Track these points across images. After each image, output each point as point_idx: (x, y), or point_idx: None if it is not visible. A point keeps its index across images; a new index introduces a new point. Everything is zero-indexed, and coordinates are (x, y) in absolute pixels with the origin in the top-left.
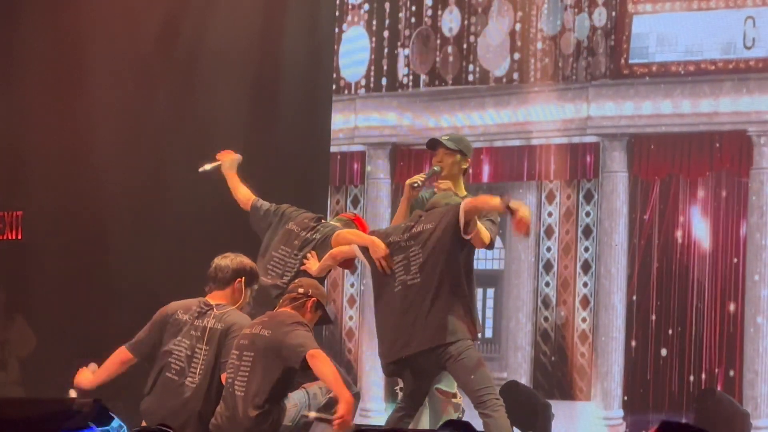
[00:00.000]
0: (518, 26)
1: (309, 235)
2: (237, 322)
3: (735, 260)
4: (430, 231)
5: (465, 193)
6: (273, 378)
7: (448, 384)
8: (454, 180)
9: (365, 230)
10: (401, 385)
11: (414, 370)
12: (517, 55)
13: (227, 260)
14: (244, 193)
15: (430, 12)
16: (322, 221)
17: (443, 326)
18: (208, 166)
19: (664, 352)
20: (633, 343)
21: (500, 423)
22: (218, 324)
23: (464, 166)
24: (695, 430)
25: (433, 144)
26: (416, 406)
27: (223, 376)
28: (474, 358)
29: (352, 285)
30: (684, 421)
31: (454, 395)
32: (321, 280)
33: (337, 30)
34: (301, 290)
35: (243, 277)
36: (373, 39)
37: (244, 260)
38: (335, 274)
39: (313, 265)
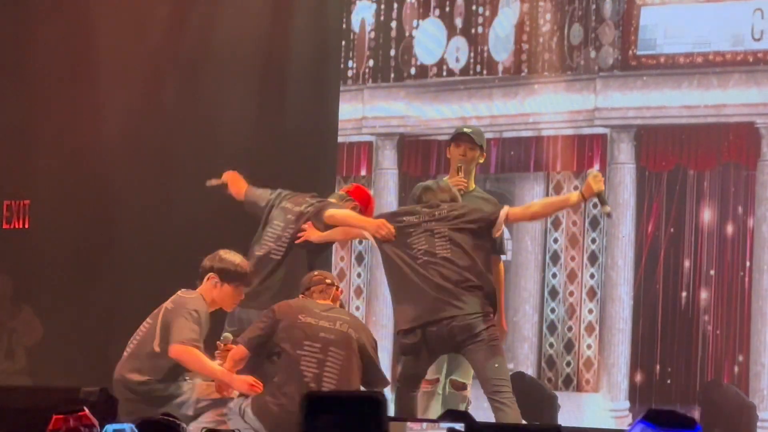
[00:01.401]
0: (526, 17)
1: (303, 209)
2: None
3: (742, 252)
4: (455, 215)
5: (474, 186)
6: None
7: (462, 375)
8: (470, 174)
9: (367, 200)
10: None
11: (432, 348)
12: (525, 46)
13: (207, 257)
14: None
15: (437, 1)
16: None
17: (480, 301)
18: (214, 182)
19: (670, 343)
20: (640, 335)
21: (514, 416)
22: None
23: (481, 161)
24: (682, 417)
25: (461, 137)
26: (411, 392)
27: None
28: (500, 348)
29: (359, 275)
30: (689, 413)
31: (465, 386)
32: (325, 262)
33: (344, 21)
34: (328, 281)
35: (215, 275)
36: (381, 29)
37: (225, 257)
38: (342, 265)
39: (312, 233)
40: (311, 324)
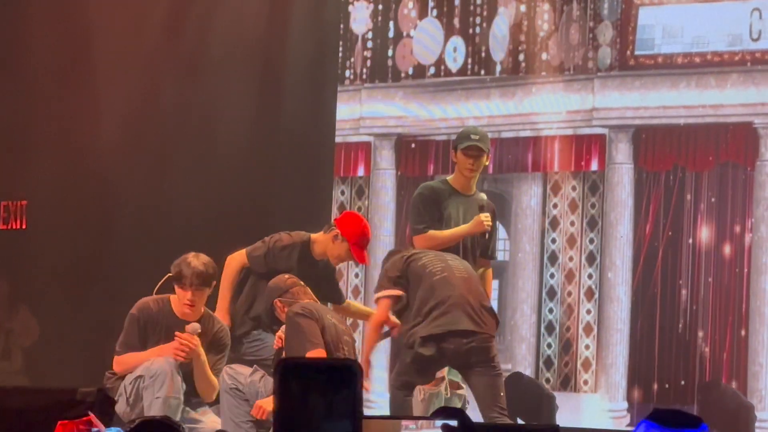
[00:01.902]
0: (524, 17)
1: None
2: None
3: (740, 252)
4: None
5: (474, 189)
6: None
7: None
8: (475, 180)
9: (352, 228)
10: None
11: (443, 364)
12: (522, 46)
13: None
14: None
15: (434, 2)
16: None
17: (494, 324)
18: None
19: (668, 344)
20: (638, 336)
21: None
22: None
23: (486, 164)
24: (686, 416)
25: (471, 148)
26: (407, 396)
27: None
28: (503, 377)
29: (357, 275)
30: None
31: (461, 386)
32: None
33: (342, 21)
34: (301, 282)
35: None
36: (379, 29)
37: (182, 257)
38: (340, 265)
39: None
40: (337, 325)
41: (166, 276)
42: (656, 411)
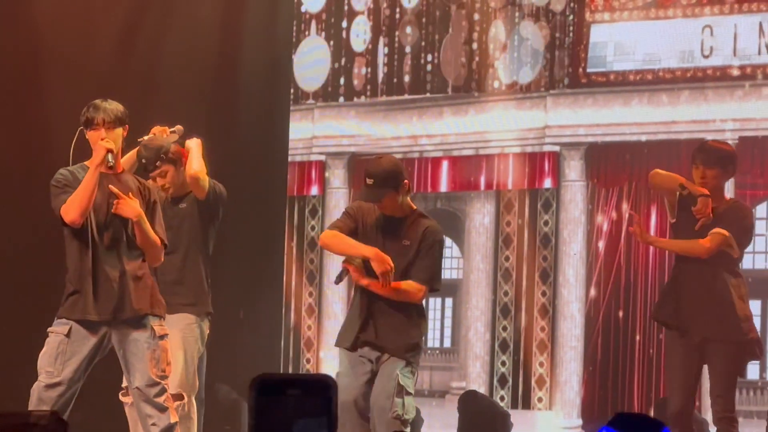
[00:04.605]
0: (476, 36)
1: None
2: None
3: None
4: None
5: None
6: None
7: None
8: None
9: None
10: None
11: None
12: (475, 65)
13: None
14: None
15: (387, 21)
16: None
17: None
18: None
19: (623, 360)
20: (592, 352)
21: None
22: None
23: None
24: (647, 420)
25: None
26: None
27: None
28: None
29: (311, 294)
30: None
31: None
32: (277, 281)
33: (294, 40)
34: None
35: None
36: (331, 49)
37: (91, 104)
38: (296, 280)
39: None
40: None
41: (78, 130)
42: (619, 416)
